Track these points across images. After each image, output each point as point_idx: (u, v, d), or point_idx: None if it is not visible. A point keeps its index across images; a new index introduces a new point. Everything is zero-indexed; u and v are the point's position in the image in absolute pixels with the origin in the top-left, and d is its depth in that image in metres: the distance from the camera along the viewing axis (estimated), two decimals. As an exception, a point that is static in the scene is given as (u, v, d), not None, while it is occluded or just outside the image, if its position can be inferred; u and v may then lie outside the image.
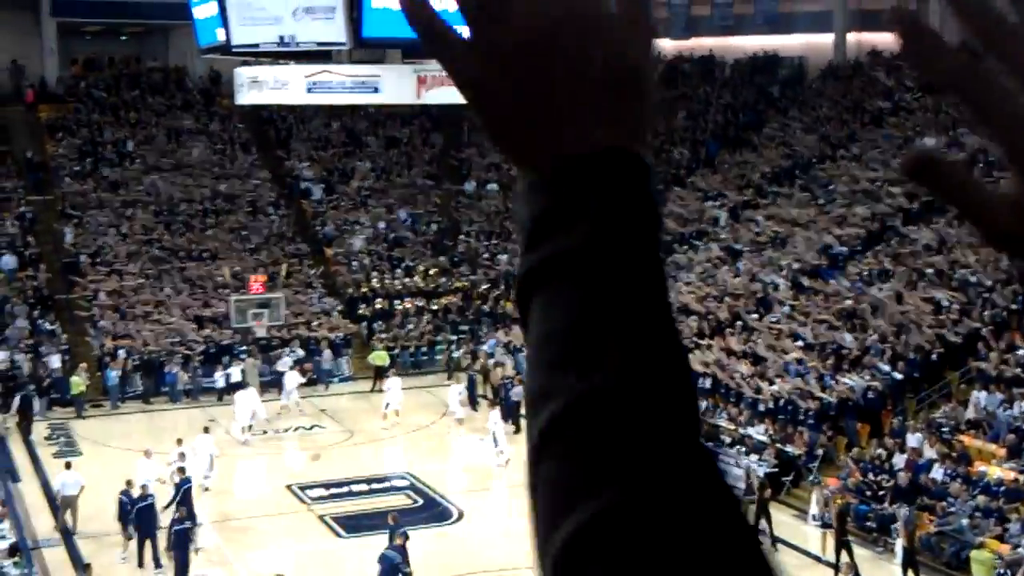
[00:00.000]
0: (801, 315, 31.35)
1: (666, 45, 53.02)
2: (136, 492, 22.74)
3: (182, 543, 21.04)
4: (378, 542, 22.97)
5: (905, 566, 21.25)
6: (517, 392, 32.25)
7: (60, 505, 24.47)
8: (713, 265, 37.05)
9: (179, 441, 26.14)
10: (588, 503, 0.90)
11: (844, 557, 21.34)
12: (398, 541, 20.76)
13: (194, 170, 45.49)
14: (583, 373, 0.94)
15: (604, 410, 0.93)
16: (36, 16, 48.21)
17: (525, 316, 1.01)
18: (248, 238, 42.61)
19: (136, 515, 22.11)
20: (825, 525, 22.86)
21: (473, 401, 33.99)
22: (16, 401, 32.04)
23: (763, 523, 23.10)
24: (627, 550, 0.88)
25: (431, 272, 42.92)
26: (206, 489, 26.13)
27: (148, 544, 22.10)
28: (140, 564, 22.08)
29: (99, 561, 21.93)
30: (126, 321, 37.20)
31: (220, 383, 35.13)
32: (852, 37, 47.04)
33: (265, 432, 31.42)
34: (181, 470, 23.56)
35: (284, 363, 36.25)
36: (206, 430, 28.18)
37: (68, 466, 25.26)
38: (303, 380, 34.54)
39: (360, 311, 40.29)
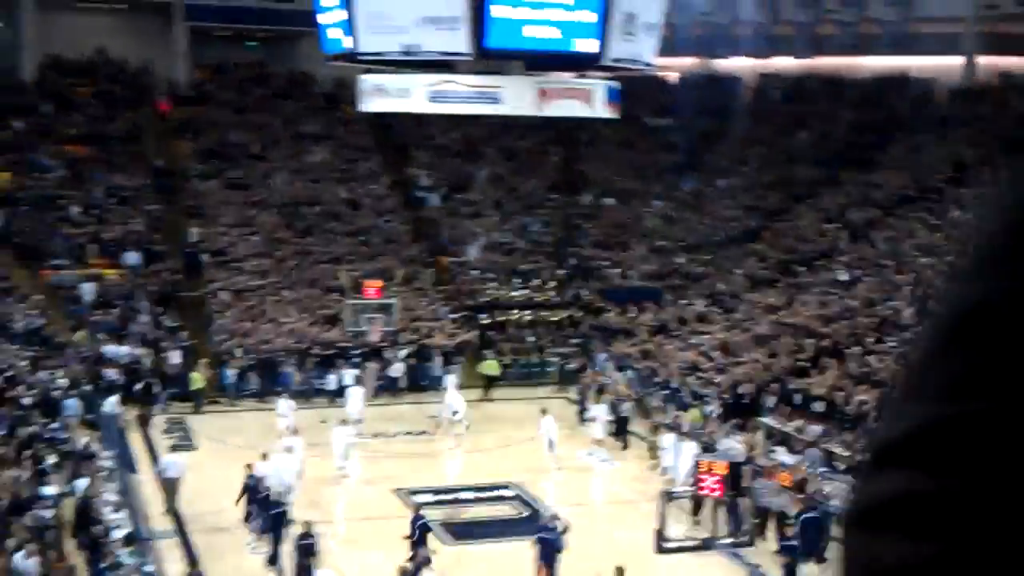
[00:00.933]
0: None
1: (790, 63, 52.42)
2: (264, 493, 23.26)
3: (306, 554, 21.21)
4: (486, 550, 23.07)
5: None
6: (626, 408, 32.12)
7: (161, 487, 25.54)
8: (833, 286, 36.44)
9: (290, 431, 26.82)
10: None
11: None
12: (554, 524, 20.93)
13: (317, 174, 46.21)
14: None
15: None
16: (168, 20, 49.49)
17: None
18: (367, 242, 43.11)
19: (270, 519, 22.51)
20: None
21: (582, 414, 33.96)
22: (139, 387, 33.18)
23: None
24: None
25: (546, 284, 42.94)
26: (343, 477, 27.76)
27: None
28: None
29: (211, 554, 22.35)
30: (245, 320, 37.89)
31: (333, 385, 35.61)
32: (983, 60, 45.96)
33: (376, 435, 31.68)
34: (248, 466, 23.88)
35: (397, 369, 36.61)
36: (344, 422, 29.22)
37: (174, 449, 26.80)
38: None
39: (476, 320, 40.50)
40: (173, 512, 25.01)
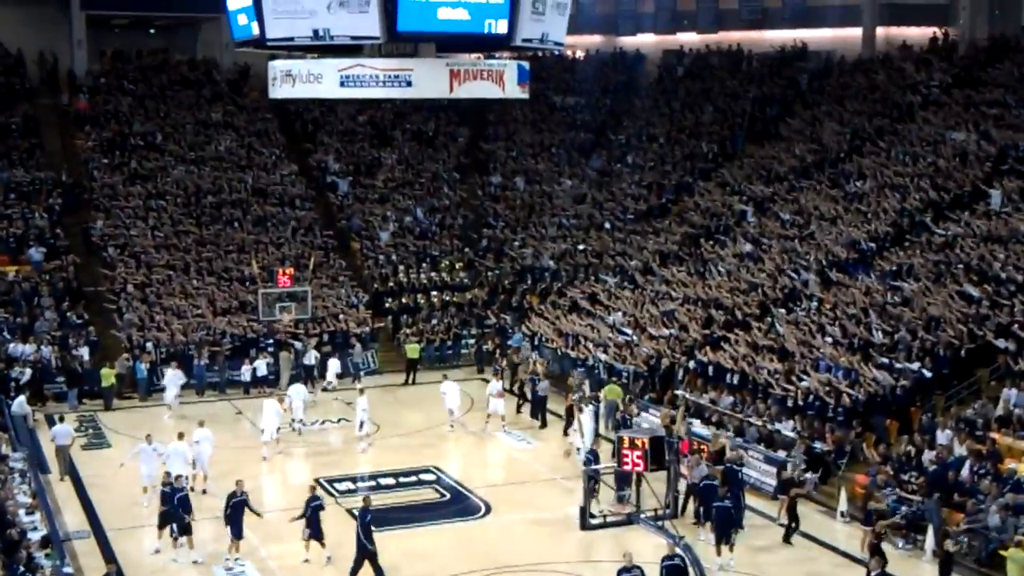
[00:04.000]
0: (829, 310, 31.17)
1: (693, 38, 52.93)
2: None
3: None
4: (406, 535, 23.10)
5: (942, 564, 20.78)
6: (543, 387, 32.26)
7: (56, 454, 27.08)
8: (739, 259, 36.89)
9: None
10: None
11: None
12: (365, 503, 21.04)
13: (222, 163, 45.63)
14: None
15: None
16: (66, 8, 48.44)
17: None
18: (276, 230, 42.71)
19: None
20: (866, 521, 22.29)
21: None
22: (27, 377, 33.30)
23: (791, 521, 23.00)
24: None
25: (457, 266, 43.01)
26: (300, 432, 30.75)
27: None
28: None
29: (125, 548, 22.07)
30: (154, 313, 37.32)
31: (247, 376, 35.33)
32: (881, 31, 46.82)
33: (293, 427, 31.35)
34: (167, 474, 23.39)
35: (310, 356, 36.35)
36: (293, 380, 33.17)
37: (61, 420, 28.19)
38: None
39: (387, 305, 40.47)
40: (70, 476, 26.63)
